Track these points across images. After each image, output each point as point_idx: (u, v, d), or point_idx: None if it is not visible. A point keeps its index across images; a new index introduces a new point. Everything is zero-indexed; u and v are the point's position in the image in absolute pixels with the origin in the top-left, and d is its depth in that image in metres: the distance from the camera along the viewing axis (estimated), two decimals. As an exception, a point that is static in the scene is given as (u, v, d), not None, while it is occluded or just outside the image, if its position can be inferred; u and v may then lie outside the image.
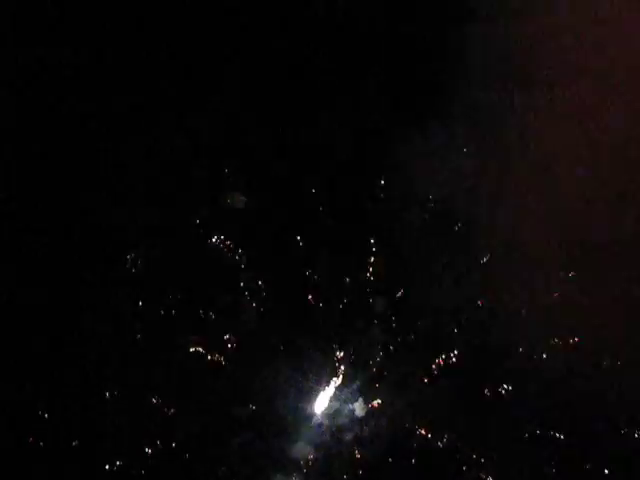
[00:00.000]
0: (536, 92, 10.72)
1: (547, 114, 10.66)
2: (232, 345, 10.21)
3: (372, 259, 10.49)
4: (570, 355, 10.18)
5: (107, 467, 9.70)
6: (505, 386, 10.18)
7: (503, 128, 10.65)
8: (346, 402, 10.25)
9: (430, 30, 11.02)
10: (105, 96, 10.62)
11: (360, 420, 10.20)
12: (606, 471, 9.87)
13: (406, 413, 10.13)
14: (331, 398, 10.24)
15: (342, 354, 10.30)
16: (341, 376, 10.29)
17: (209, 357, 10.18)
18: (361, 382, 10.27)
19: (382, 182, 10.79)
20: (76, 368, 9.88)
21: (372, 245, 10.55)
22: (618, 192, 10.52)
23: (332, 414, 10.23)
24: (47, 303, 10.05)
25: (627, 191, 10.58)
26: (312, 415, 10.21)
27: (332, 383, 10.28)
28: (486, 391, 10.17)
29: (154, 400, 9.89)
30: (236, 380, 10.15)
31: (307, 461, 10.02)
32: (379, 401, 10.20)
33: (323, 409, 10.23)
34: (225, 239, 10.44)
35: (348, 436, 10.17)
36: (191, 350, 10.16)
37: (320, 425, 10.20)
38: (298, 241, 10.53)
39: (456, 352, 10.26)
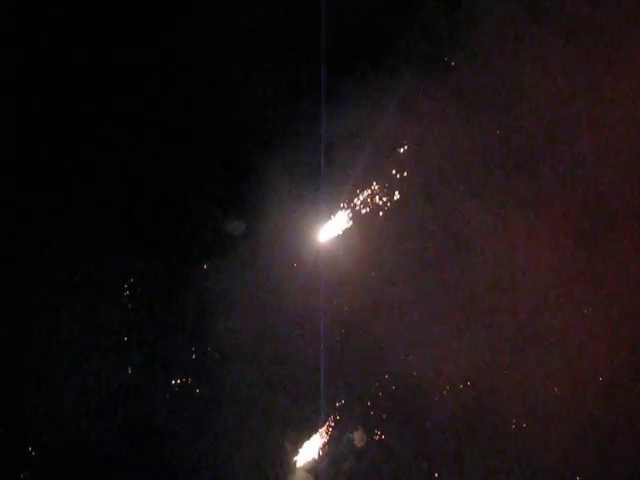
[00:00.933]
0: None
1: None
2: (230, 373, 10.02)
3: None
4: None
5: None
6: (515, 422, 9.93)
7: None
8: (345, 431, 10.06)
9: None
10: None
11: (359, 450, 10.02)
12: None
13: (406, 446, 9.93)
14: (330, 427, 10.08)
15: (341, 384, 10.08)
16: (340, 405, 10.09)
17: (204, 387, 10.01)
18: (361, 412, 10.06)
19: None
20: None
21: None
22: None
23: (330, 443, 10.06)
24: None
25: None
26: (310, 444, 10.06)
27: (331, 412, 10.08)
28: (488, 429, 9.89)
29: (144, 438, 9.82)
30: (233, 408, 9.98)
31: (305, 490, 10.00)
32: (378, 432, 10.01)
33: (321, 438, 10.08)
34: (219, 267, 10.12)
35: (346, 466, 10.03)
36: (182, 381, 10.00)
37: (318, 454, 10.06)
38: (294, 270, 10.17)
39: (460, 387, 9.97)
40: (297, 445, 10.06)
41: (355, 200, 10.12)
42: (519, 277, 9.92)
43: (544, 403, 9.82)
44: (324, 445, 10.07)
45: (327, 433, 10.07)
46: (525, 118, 10.01)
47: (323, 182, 10.05)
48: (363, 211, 10.13)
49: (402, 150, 10.11)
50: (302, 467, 10.07)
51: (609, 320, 9.81)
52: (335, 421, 10.08)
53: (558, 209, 9.96)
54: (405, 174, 10.10)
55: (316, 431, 10.06)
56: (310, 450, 10.08)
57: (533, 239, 9.92)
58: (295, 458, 10.06)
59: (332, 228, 10.19)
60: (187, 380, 10.02)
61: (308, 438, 10.07)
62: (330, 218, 10.19)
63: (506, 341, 9.92)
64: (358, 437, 10.04)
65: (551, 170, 10.00)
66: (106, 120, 10.19)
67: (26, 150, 10.08)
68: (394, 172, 10.09)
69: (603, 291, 9.88)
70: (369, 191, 10.11)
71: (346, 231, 10.18)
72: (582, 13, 10.02)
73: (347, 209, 10.15)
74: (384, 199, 10.10)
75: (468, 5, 10.07)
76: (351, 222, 10.16)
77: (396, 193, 10.08)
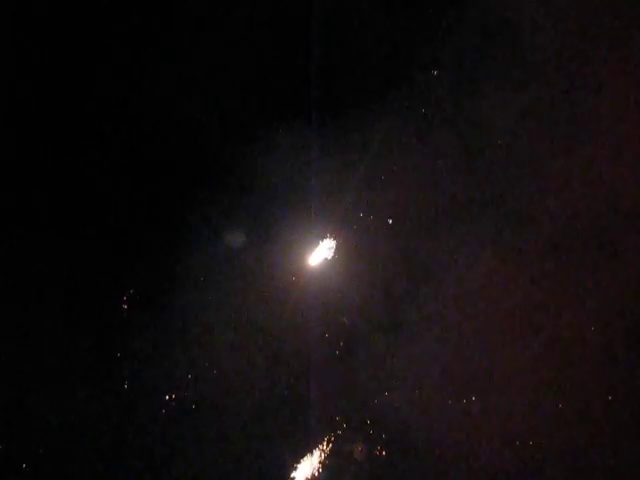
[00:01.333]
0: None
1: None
2: (227, 387, 9.87)
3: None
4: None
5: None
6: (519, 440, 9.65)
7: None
8: (344, 447, 9.94)
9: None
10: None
11: (358, 466, 9.91)
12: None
13: (404, 459, 9.81)
14: (329, 442, 9.94)
15: (341, 399, 9.96)
16: (339, 421, 9.97)
17: (200, 402, 9.88)
18: (360, 429, 9.92)
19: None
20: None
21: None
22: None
23: (329, 458, 9.94)
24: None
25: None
26: (308, 459, 9.93)
27: (331, 423, 9.94)
28: (492, 445, 9.64)
29: (137, 454, 9.67)
30: (228, 423, 9.87)
31: (303, 501, 9.94)
32: (379, 446, 9.88)
33: (320, 453, 9.95)
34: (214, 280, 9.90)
35: (345, 478, 9.92)
36: (178, 395, 9.83)
37: (317, 469, 9.94)
38: (292, 283, 9.98)
39: (463, 402, 9.73)
40: (295, 460, 9.93)
41: (348, 221, 9.94)
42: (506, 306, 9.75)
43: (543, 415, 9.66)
44: (323, 460, 9.94)
45: (326, 448, 9.95)
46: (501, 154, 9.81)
47: (315, 200, 9.90)
48: (357, 231, 9.95)
49: (394, 168, 9.87)
50: (299, 477, 9.95)
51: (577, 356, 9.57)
52: (334, 436, 9.94)
53: (532, 243, 9.76)
54: (401, 189, 9.87)
55: (315, 446, 9.94)
56: (308, 465, 9.95)
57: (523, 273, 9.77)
58: (293, 474, 9.95)
59: (327, 248, 9.99)
60: (183, 394, 9.84)
61: (306, 453, 9.94)
62: (325, 237, 9.99)
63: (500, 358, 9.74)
64: (357, 453, 9.91)
65: (524, 203, 9.78)
66: (103, 121, 9.95)
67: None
68: (388, 191, 9.89)
69: (577, 323, 9.63)
70: (361, 212, 9.92)
71: (342, 249, 9.98)
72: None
73: (340, 229, 9.97)
74: (377, 221, 9.90)
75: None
76: (346, 241, 9.98)
77: (390, 216, 9.88)
